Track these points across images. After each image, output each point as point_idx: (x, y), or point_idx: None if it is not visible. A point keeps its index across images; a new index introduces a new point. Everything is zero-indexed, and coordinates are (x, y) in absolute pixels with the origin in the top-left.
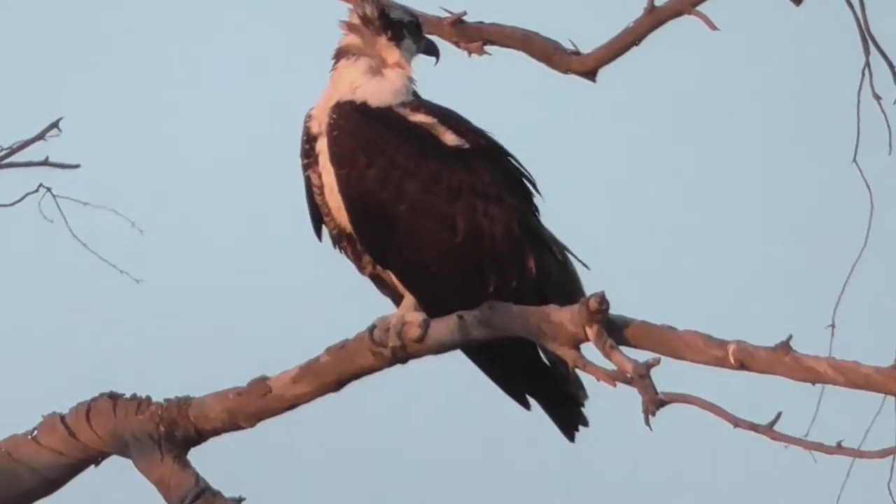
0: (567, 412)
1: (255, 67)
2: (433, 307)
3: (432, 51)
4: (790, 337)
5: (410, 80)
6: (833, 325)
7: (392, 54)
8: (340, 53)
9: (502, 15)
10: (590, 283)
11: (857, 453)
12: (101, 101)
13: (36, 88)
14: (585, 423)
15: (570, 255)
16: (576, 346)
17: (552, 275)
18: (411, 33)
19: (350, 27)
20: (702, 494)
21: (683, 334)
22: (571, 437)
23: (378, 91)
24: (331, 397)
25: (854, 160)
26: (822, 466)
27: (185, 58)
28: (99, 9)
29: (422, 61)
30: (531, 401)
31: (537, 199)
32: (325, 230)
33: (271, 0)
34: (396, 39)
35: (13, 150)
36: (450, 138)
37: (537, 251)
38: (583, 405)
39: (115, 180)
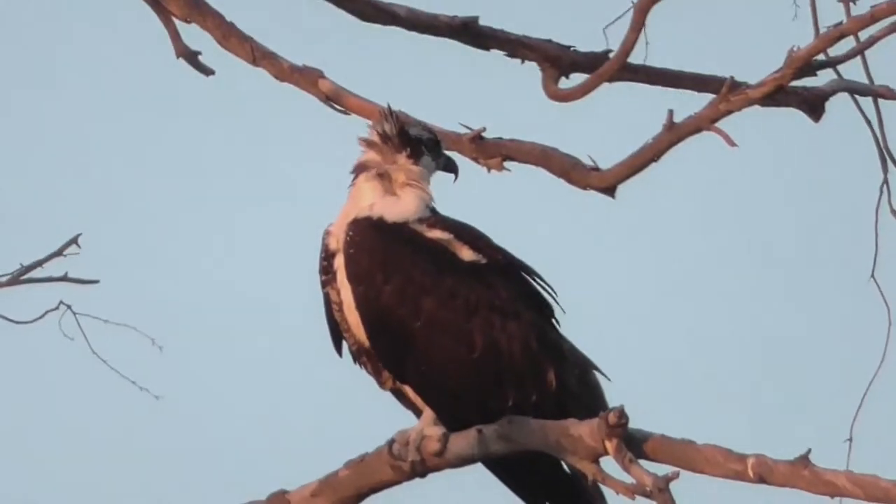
0: None
1: (276, 186)
2: (452, 421)
3: (451, 168)
4: (809, 451)
5: (428, 197)
6: (851, 440)
7: (410, 172)
8: (359, 169)
9: (521, 131)
10: (611, 394)
11: None
12: (119, 218)
13: (54, 205)
14: None
15: (591, 368)
16: (595, 460)
17: (572, 387)
18: (430, 150)
19: (369, 144)
20: None
21: (703, 448)
22: None
23: (394, 208)
24: None
25: (872, 276)
26: None
27: (204, 174)
28: (114, 126)
29: (441, 178)
30: None
31: (558, 312)
32: (344, 345)
33: (289, 117)
34: (415, 157)
35: (32, 267)
36: (466, 254)
37: (557, 364)
38: None
39: (134, 297)
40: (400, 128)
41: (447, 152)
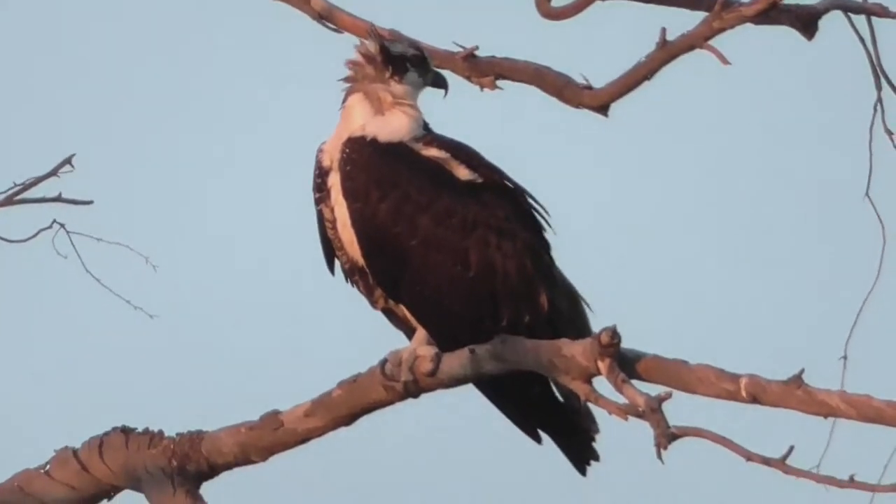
0: (579, 446)
1: (269, 104)
2: (445, 341)
3: (440, 83)
4: (802, 370)
5: (417, 114)
6: (845, 358)
7: (395, 90)
8: (348, 90)
9: (514, 50)
10: (602, 319)
11: (870, 487)
12: (114, 138)
13: (49, 124)
14: (597, 458)
15: (578, 298)
16: (588, 380)
17: (564, 310)
18: (416, 66)
19: (354, 64)
20: None
21: (695, 368)
22: (583, 472)
23: (386, 128)
24: (343, 431)
25: (867, 194)
26: (836, 501)
27: (197, 94)
28: (106, 45)
29: (431, 94)
30: (542, 435)
31: (549, 235)
32: (337, 264)
33: (282, 35)
34: (399, 74)
35: (26, 187)
36: (463, 173)
37: (549, 286)
38: (594, 439)
39: (129, 216)
40: (381, 46)
41: (438, 69)
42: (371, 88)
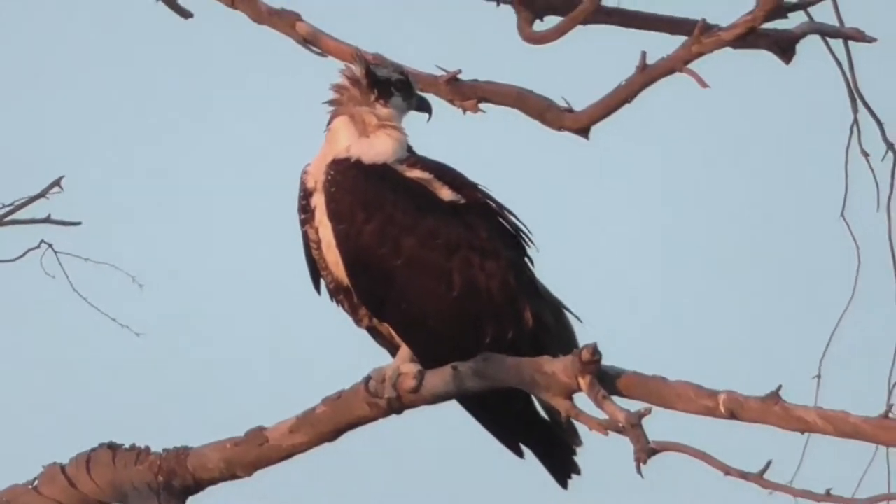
0: (560, 460)
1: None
2: (429, 359)
3: (424, 107)
4: (780, 387)
5: (402, 137)
6: (819, 376)
7: (380, 113)
8: (333, 113)
9: (497, 74)
10: (583, 336)
11: (847, 501)
12: (101, 160)
13: (38, 146)
14: (578, 472)
15: (564, 309)
16: (569, 396)
17: (550, 324)
18: (401, 90)
19: (339, 88)
20: None
21: (674, 385)
22: (564, 485)
23: (370, 150)
24: (327, 447)
25: (842, 215)
26: None
27: (184, 115)
28: (95, 68)
29: (415, 118)
30: (524, 449)
31: (532, 252)
32: (322, 283)
33: (266, 60)
34: (384, 98)
35: (16, 208)
36: (446, 194)
37: (534, 301)
38: (575, 453)
39: (115, 237)
40: (367, 70)
41: (422, 93)
42: (356, 111)
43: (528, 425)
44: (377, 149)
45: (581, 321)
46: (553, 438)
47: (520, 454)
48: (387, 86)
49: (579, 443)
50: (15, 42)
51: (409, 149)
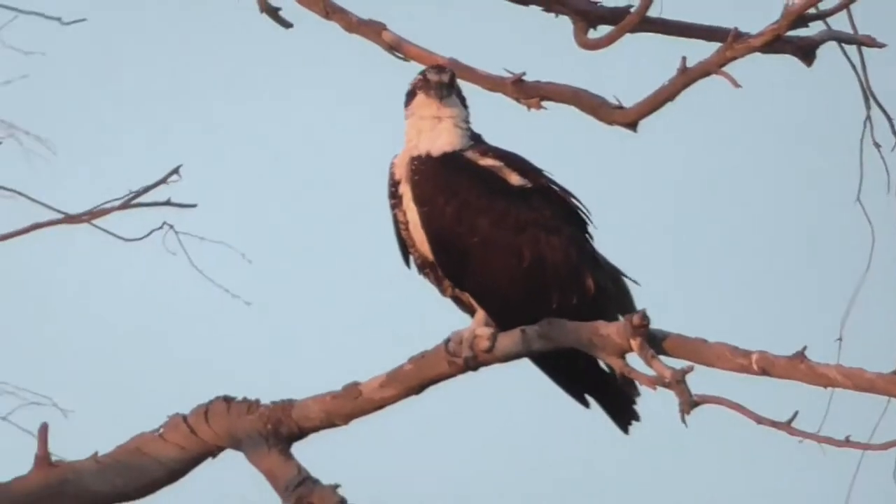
0: (621, 408)
1: (347, 124)
2: (503, 322)
3: (463, 100)
4: (805, 348)
5: (461, 128)
6: (840, 339)
7: (452, 111)
8: (408, 112)
9: (555, 75)
10: (639, 298)
11: (863, 446)
12: (217, 150)
13: (160, 140)
14: (637, 418)
15: (622, 275)
16: (622, 356)
17: (610, 290)
18: (454, 88)
19: (420, 88)
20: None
21: (713, 346)
22: (626, 430)
23: (437, 142)
24: (413, 399)
25: (857, 199)
26: (833, 461)
27: (286, 115)
28: (208, 72)
29: (483, 114)
30: (589, 400)
31: (591, 229)
32: (411, 259)
33: (356, 64)
34: (447, 97)
35: (140, 193)
36: (515, 179)
37: (594, 272)
38: (635, 402)
39: (228, 218)
40: (451, 76)
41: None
42: (426, 111)
43: (592, 379)
44: (443, 139)
45: (638, 284)
46: (614, 390)
47: (586, 404)
48: (448, 87)
49: (637, 394)
50: (146, 57)
51: (479, 139)
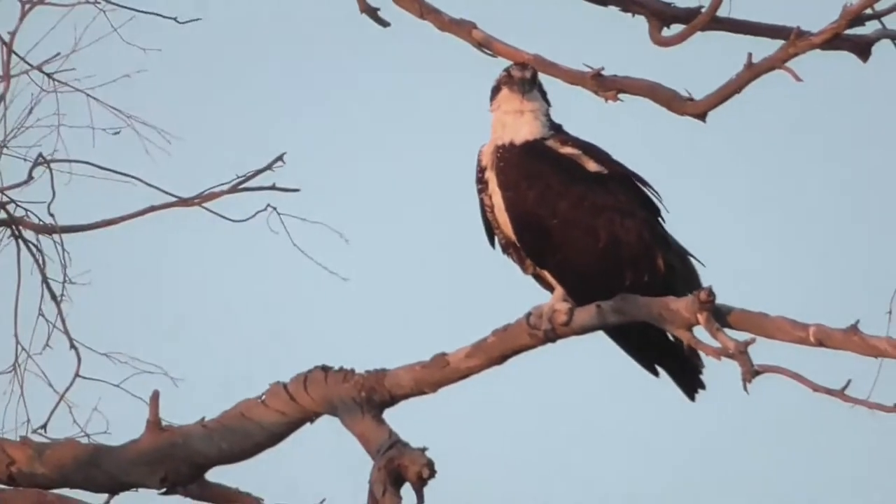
0: (689, 378)
1: (439, 116)
2: (579, 298)
3: (544, 94)
4: (858, 321)
5: (541, 119)
6: (891, 312)
7: (533, 105)
8: (498, 103)
9: (631, 70)
10: (704, 277)
11: None
12: (318, 139)
13: (265, 128)
14: (703, 387)
15: (690, 256)
16: (689, 329)
17: (678, 268)
18: (536, 83)
19: (504, 83)
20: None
21: (774, 319)
22: (692, 398)
23: (520, 131)
24: (496, 369)
25: None
26: (885, 425)
27: (384, 107)
28: (308, 67)
29: (558, 104)
30: (659, 370)
31: (663, 213)
32: (496, 240)
33: (449, 60)
34: (528, 90)
35: (247, 178)
36: (592, 166)
37: (664, 251)
38: (701, 372)
39: (328, 201)
40: (533, 73)
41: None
42: (515, 103)
43: (662, 350)
44: (526, 130)
45: (704, 265)
46: (682, 360)
47: (655, 373)
48: (530, 82)
49: (702, 364)
50: (254, 53)
51: (560, 129)
